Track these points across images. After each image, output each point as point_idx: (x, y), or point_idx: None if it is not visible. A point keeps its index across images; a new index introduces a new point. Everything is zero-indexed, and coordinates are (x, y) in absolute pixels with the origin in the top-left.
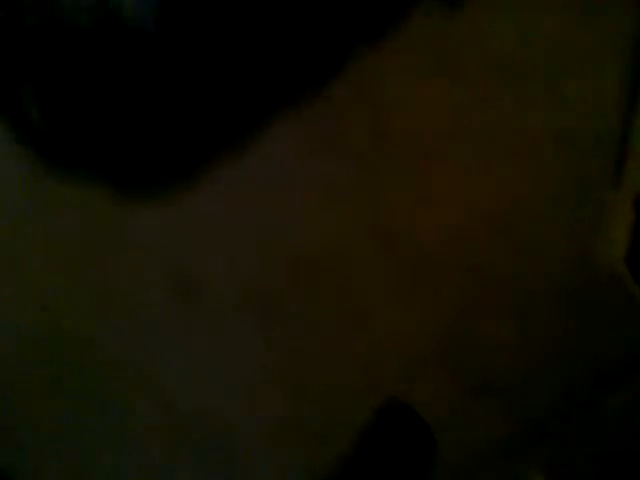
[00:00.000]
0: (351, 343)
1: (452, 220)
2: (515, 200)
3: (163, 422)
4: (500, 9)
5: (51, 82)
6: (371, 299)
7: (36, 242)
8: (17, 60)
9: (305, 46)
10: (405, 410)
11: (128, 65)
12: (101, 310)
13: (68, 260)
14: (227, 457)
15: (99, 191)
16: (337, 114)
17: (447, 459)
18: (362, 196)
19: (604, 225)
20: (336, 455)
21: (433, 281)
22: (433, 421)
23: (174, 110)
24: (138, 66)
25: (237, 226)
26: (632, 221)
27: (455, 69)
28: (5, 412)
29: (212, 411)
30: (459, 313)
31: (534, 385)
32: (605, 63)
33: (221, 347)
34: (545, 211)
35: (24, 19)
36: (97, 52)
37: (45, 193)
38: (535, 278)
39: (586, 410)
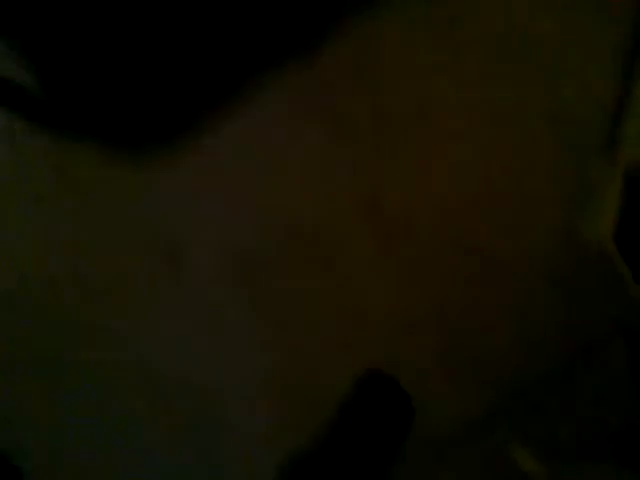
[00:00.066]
0: (336, 316)
1: (444, 198)
2: (508, 179)
3: (146, 389)
4: None
5: (43, 37)
6: (359, 273)
7: (17, 209)
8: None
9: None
10: (384, 379)
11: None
12: (82, 277)
13: (50, 222)
14: (211, 426)
15: (88, 154)
16: (335, 88)
17: (430, 431)
18: (353, 167)
19: (593, 203)
20: (319, 421)
21: (422, 257)
22: (416, 392)
23: (160, 69)
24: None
25: (227, 195)
26: (621, 199)
27: (455, 45)
28: None
29: (196, 380)
30: (446, 286)
31: (518, 357)
32: (601, 42)
33: (205, 315)
34: (537, 189)
35: None
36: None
37: (28, 154)
38: (522, 255)
39: (568, 381)
